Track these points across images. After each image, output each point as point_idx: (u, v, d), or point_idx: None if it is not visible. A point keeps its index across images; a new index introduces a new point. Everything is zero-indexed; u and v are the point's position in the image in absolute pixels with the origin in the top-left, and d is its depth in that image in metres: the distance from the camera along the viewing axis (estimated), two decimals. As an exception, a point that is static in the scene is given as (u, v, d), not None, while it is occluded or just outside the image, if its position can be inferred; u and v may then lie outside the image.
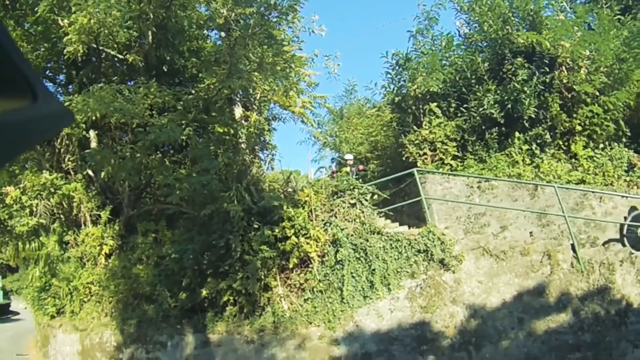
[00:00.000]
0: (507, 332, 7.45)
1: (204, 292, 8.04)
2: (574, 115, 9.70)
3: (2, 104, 0.61)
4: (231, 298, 7.97)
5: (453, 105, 9.95)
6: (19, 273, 23.23)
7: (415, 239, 7.77)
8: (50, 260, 11.05)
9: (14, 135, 0.61)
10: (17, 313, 23.36)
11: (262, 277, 7.78)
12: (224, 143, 8.40)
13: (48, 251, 10.98)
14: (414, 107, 10.19)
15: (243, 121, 8.59)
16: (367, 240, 7.70)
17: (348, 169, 9.91)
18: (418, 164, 9.26)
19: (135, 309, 9.26)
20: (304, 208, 7.82)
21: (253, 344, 7.84)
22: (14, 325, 19.30)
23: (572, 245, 7.98)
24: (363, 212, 7.93)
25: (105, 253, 9.80)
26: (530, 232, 8.20)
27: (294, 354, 7.65)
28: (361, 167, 10.05)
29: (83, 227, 10.40)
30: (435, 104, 9.85)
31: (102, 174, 9.04)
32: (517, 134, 9.35)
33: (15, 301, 24.61)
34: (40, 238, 11.29)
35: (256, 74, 7.72)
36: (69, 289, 10.70)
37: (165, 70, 9.42)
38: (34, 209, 10.87)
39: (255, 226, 7.79)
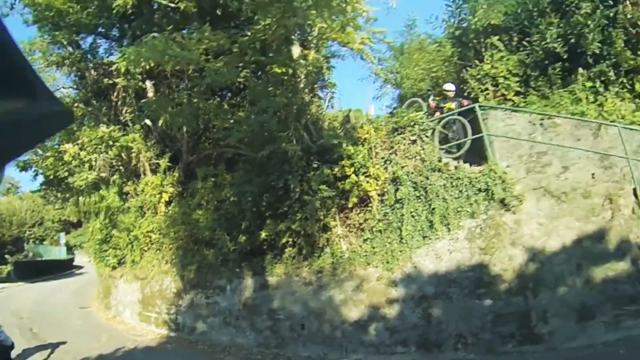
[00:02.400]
0: (565, 279, 6.99)
1: (263, 235, 8.07)
2: (639, 52, 9.04)
3: (1, 103, 0.60)
4: (290, 239, 7.95)
5: (515, 38, 9.48)
6: (81, 228, 24.55)
7: (477, 178, 7.42)
8: (111, 212, 11.44)
9: (13, 134, 0.62)
10: (80, 267, 24.69)
11: (321, 217, 7.71)
12: (282, 83, 8.30)
13: (108, 203, 11.36)
14: (475, 41, 9.84)
15: (301, 60, 8.43)
16: (428, 178, 7.43)
17: (453, 105, 8.83)
18: (480, 100, 8.92)
19: (194, 254, 9.44)
20: (363, 146, 7.64)
21: (311, 285, 7.83)
22: (77, 279, 20.50)
23: (634, 190, 7.45)
24: (424, 148, 7.64)
25: (165, 201, 10.01)
26: (592, 174, 7.68)
27: (351, 296, 7.57)
28: (466, 102, 8.72)
29: (142, 176, 10.66)
30: (497, 37, 9.45)
31: (160, 122, 9.16)
32: (580, 70, 8.82)
33: (78, 256, 26.16)
34: (100, 191, 11.69)
35: (312, 11, 7.53)
36: (129, 239, 11.06)
37: (219, 14, 9.35)
38: (93, 164, 11.23)
39: (315, 165, 7.69)
